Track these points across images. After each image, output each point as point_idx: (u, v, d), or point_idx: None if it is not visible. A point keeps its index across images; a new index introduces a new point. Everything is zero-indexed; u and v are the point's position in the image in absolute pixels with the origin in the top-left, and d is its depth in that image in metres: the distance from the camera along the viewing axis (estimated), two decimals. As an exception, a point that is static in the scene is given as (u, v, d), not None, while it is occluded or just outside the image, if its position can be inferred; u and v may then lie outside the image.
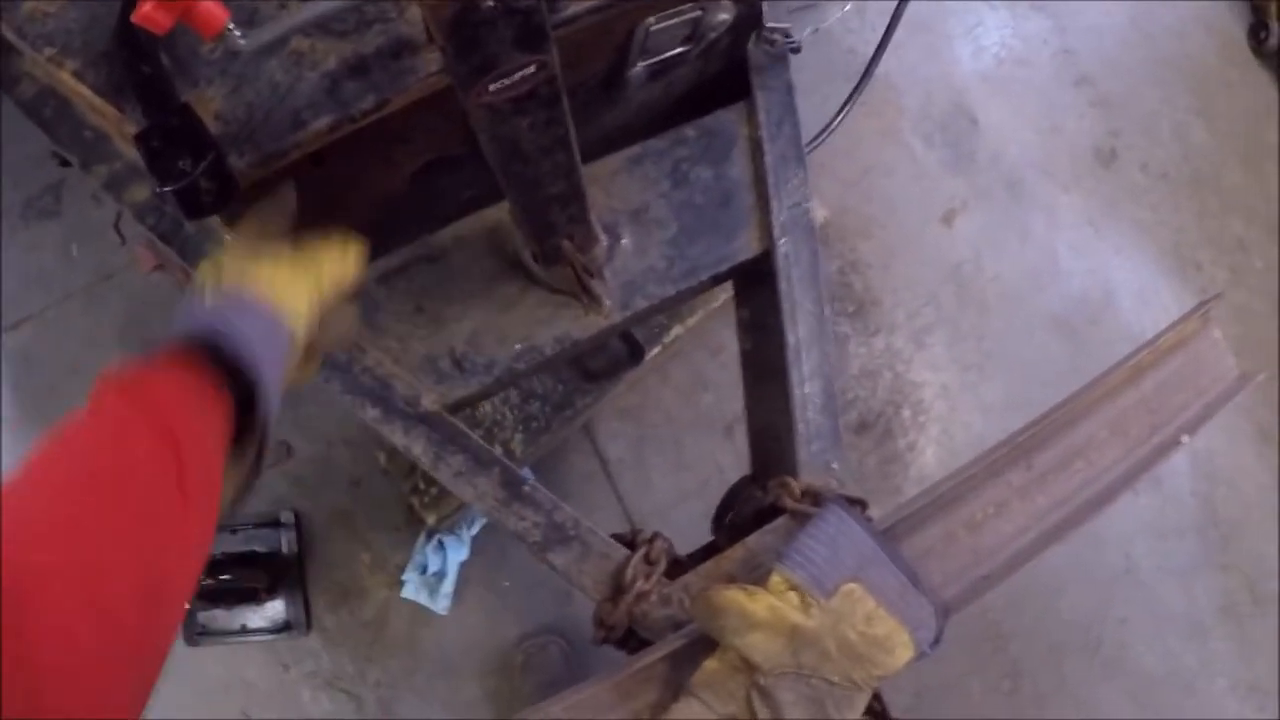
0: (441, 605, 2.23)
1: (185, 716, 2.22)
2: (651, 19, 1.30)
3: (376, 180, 1.36)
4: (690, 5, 1.31)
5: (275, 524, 2.24)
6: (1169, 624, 2.58)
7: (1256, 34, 3.08)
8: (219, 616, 2.21)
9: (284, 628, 2.22)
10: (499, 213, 1.39)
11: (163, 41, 1.12)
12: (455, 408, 1.35)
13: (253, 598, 2.10)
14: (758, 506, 1.26)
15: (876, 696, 1.08)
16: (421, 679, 2.26)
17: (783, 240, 1.38)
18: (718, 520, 1.39)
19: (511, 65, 0.91)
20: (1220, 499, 2.72)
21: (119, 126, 1.20)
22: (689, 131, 1.47)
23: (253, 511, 2.29)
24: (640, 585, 1.19)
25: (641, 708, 1.06)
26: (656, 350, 2.14)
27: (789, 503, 1.21)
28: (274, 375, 0.83)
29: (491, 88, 0.93)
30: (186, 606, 0.71)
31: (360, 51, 1.16)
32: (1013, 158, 2.79)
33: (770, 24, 1.45)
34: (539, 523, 1.24)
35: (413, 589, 2.24)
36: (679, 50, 1.40)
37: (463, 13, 0.82)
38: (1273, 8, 3.02)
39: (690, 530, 1.34)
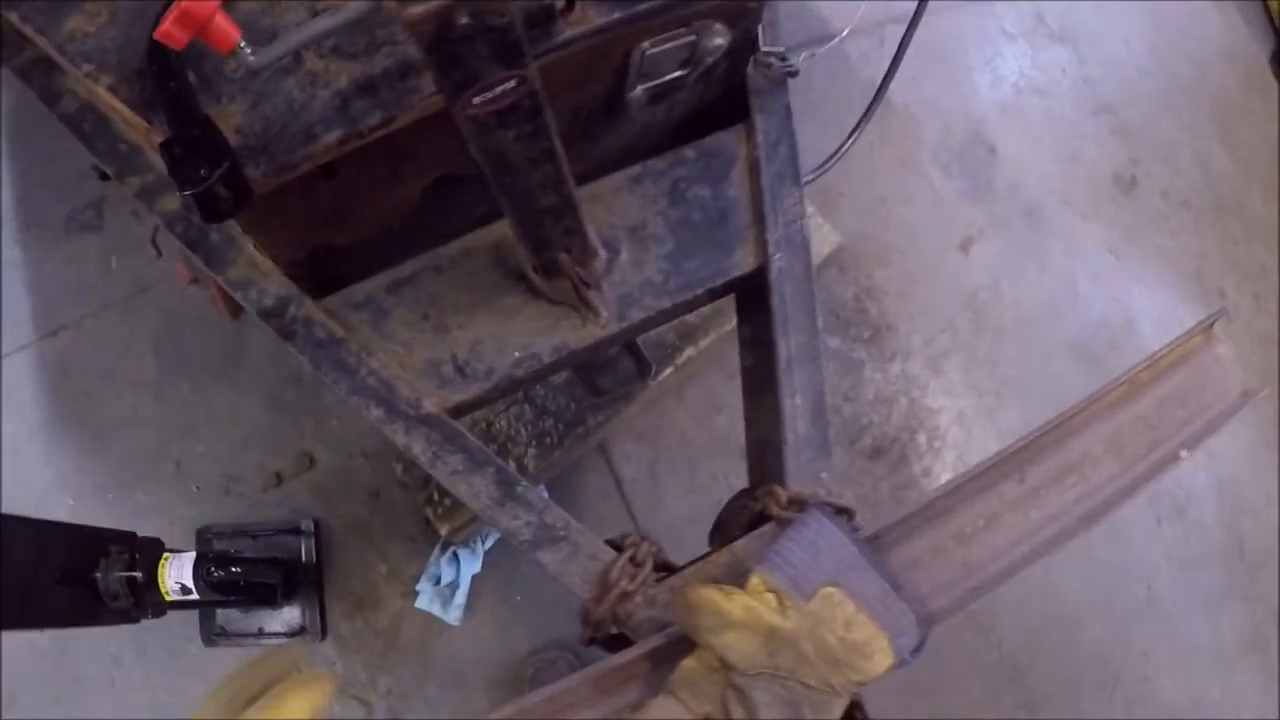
0: (453, 616, 2.28)
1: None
2: (647, 43, 1.36)
3: (388, 194, 1.45)
4: (684, 30, 1.37)
5: (295, 531, 2.31)
6: (1192, 657, 2.56)
7: (1279, 60, 3.09)
8: (236, 619, 2.27)
9: (299, 632, 2.28)
10: (504, 228, 1.45)
11: (190, 60, 1.21)
12: (456, 411, 1.41)
13: (269, 600, 2.16)
14: (749, 515, 1.29)
15: (858, 705, 1.10)
16: (432, 688, 2.31)
17: (777, 256, 1.43)
18: (714, 532, 1.42)
19: (492, 80, 0.98)
20: (1246, 529, 2.70)
21: (149, 139, 1.29)
22: (688, 152, 1.53)
23: (275, 519, 2.37)
24: (624, 585, 1.22)
25: (622, 706, 1.09)
26: (669, 371, 2.19)
27: (775, 510, 1.24)
28: None
29: (475, 101, 1.00)
30: None
31: (369, 72, 1.25)
32: (1031, 186, 2.82)
33: (766, 48, 1.51)
34: (530, 522, 1.29)
35: (426, 599, 2.30)
36: (677, 74, 1.47)
37: (441, 30, 0.90)
38: (1296, 33, 3.05)
39: (701, 550, 1.37)
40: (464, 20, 0.89)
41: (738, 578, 1.12)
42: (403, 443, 1.36)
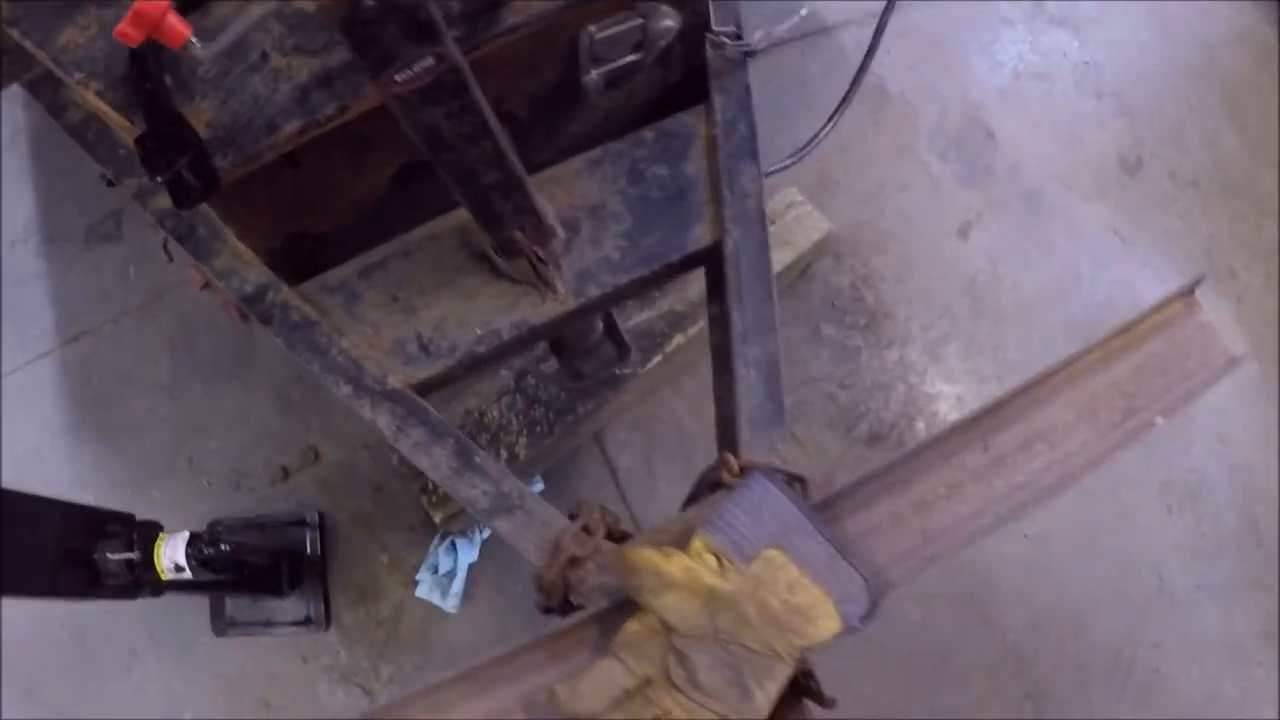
0: (451, 604, 2.33)
1: (212, 701, 2.38)
2: (594, 28, 1.42)
3: (354, 183, 1.52)
4: (630, 14, 1.43)
5: (301, 523, 2.38)
6: (1206, 649, 2.49)
7: (1291, 38, 3.05)
8: (245, 609, 2.35)
9: (305, 622, 2.35)
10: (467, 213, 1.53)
11: (169, 66, 1.31)
12: (422, 388, 1.47)
13: (275, 589, 2.24)
14: (707, 485, 1.31)
15: (809, 673, 1.11)
16: (431, 675, 2.35)
17: (732, 230, 1.48)
18: (685, 506, 1.46)
19: (409, 58, 1.04)
20: (1262, 517, 2.62)
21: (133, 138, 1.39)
22: (647, 134, 1.59)
23: (282, 512, 2.44)
24: (574, 550, 1.25)
25: (571, 670, 1.10)
26: (659, 360, 2.23)
27: (726, 477, 1.25)
28: None
29: (398, 79, 1.06)
30: None
31: (327, 66, 1.33)
32: (1032, 170, 2.81)
33: (718, 28, 1.55)
34: (488, 491, 1.35)
35: (426, 588, 2.35)
36: (632, 58, 1.53)
37: (350, 13, 0.96)
38: (1309, 11, 3.00)
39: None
40: (370, 2, 0.95)
41: (686, 544, 1.13)
42: (369, 417, 1.42)
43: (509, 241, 1.41)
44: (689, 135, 1.59)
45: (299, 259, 1.57)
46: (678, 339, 2.25)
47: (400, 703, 1.14)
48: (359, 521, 2.47)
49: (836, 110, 2.05)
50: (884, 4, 1.99)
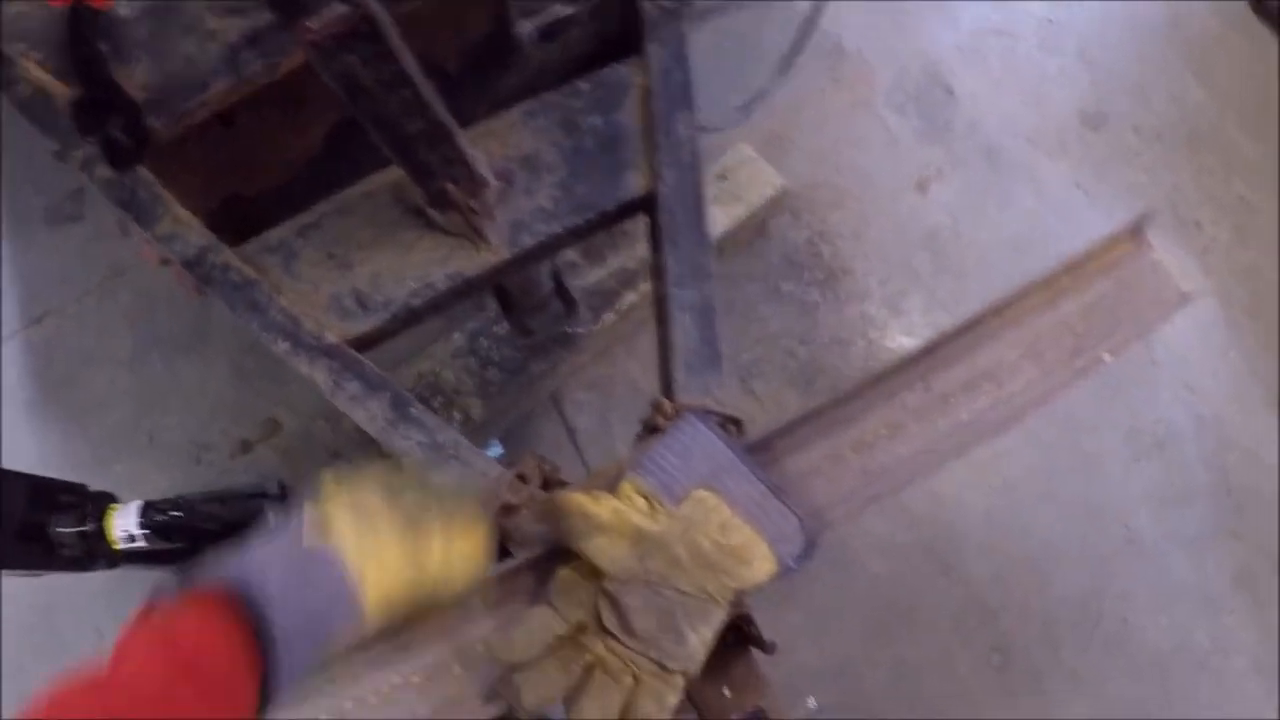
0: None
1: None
2: (526, -20, 1.45)
3: (290, 141, 1.55)
4: (549, -37, 1.45)
5: (262, 495, 2.39)
6: (1177, 598, 2.53)
7: (1259, -1, 3.07)
8: (208, 582, 2.35)
9: (269, 592, 2.35)
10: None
11: (104, 30, 1.35)
12: (359, 344, 1.49)
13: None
14: (645, 430, 1.31)
15: (748, 619, 1.12)
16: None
17: (666, 177, 1.49)
18: (630, 456, 1.49)
19: (322, 4, 1.05)
20: (1232, 465, 2.66)
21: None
22: (583, 84, 1.60)
23: (242, 483, 2.46)
24: (508, 497, 1.24)
25: (507, 618, 1.11)
26: (611, 317, 2.25)
27: (660, 420, 1.25)
28: (304, 649, 0.80)
29: (312, 26, 1.07)
30: None
31: (256, 25, 1.35)
32: (992, 126, 2.83)
33: (646, -28, 1.56)
34: (422, 442, 1.36)
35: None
36: (566, 11, 1.55)
37: (260, -38, 0.98)
38: (1273, -36, 3.00)
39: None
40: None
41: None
42: (307, 372, 1.44)
43: (441, 194, 1.42)
44: (624, 85, 1.60)
45: (238, 220, 1.58)
46: (630, 296, 2.27)
47: (337, 662, 1.10)
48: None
49: (786, 62, 2.06)
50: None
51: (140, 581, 2.29)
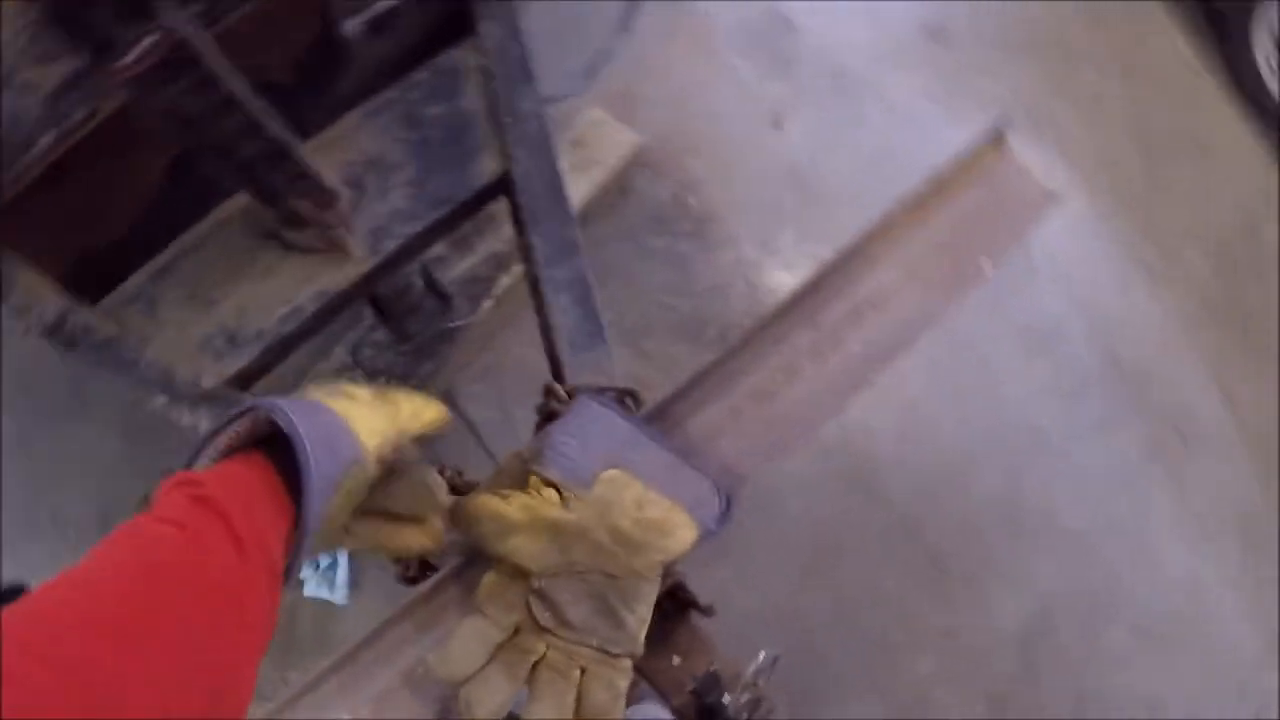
0: (340, 596, 2.33)
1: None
2: (343, -24, 1.42)
3: (129, 184, 1.49)
4: (367, -45, 1.43)
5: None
6: (1093, 481, 2.65)
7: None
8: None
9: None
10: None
11: None
12: (239, 381, 1.46)
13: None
14: (543, 418, 1.29)
15: (680, 585, 1.12)
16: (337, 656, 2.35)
17: (518, 156, 1.48)
18: (531, 447, 1.48)
19: (130, 39, 1.03)
20: (1121, 345, 2.79)
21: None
22: (419, 75, 1.59)
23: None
24: None
25: (442, 634, 1.07)
26: (489, 304, 2.24)
27: (556, 405, 1.23)
28: (327, 469, 0.80)
29: (125, 64, 1.05)
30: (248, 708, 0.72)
31: (76, 68, 1.30)
32: (837, 52, 2.88)
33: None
34: (325, 469, 1.36)
35: (312, 586, 2.34)
36: (393, 2, 1.53)
37: (52, 3, 0.95)
38: None
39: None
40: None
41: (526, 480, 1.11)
42: (190, 423, 1.41)
43: (292, 213, 1.41)
44: (462, 69, 1.60)
45: (93, 276, 1.52)
46: (504, 280, 2.27)
47: (281, 707, 1.08)
48: (234, 531, 2.41)
49: (625, 19, 2.06)
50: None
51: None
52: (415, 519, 0.98)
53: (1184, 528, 2.67)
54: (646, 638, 1.04)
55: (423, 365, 2.19)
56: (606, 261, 2.54)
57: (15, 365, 2.61)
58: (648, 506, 1.07)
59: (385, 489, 0.93)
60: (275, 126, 1.27)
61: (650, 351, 2.52)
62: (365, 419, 0.89)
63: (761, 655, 1.12)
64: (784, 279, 2.64)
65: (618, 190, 2.57)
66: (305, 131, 1.48)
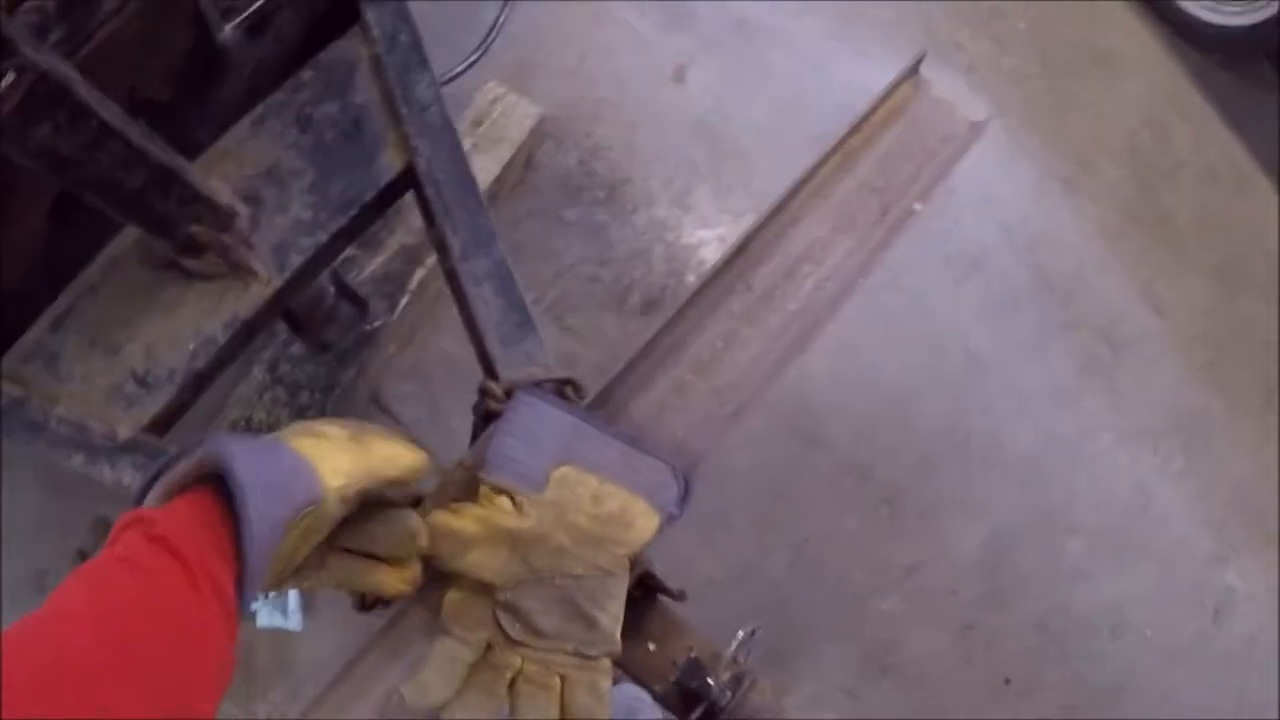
0: (295, 622, 2.27)
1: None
2: (205, -24, 1.34)
3: (10, 235, 1.40)
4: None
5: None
6: (1033, 400, 2.68)
7: None
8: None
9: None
10: (139, 227, 1.44)
11: None
12: (156, 427, 1.39)
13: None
14: (482, 419, 1.26)
15: (648, 573, 1.09)
16: (308, 698, 2.30)
17: (420, 147, 1.43)
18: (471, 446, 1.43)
19: (-17, 80, 0.96)
20: (1047, 262, 2.82)
21: None
22: (305, 73, 1.51)
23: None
24: None
25: (413, 660, 1.04)
26: (405, 300, 2.19)
27: (494, 405, 1.20)
28: (273, 511, 0.79)
29: (-12, 110, 0.97)
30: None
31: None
32: (736, 1, 2.84)
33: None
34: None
35: (265, 615, 2.27)
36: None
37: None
38: None
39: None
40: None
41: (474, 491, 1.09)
42: (113, 479, 1.33)
43: (189, 239, 1.33)
44: (350, 62, 1.53)
45: None
46: (419, 273, 2.22)
47: None
48: (173, 573, 2.34)
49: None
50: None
51: None
52: (392, 561, 0.96)
53: (1125, 435, 2.72)
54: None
55: (345, 372, 2.13)
56: (521, 240, 2.50)
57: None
58: (604, 500, 1.05)
59: (364, 528, 0.92)
60: (159, 150, 1.20)
61: (575, 326, 2.49)
62: (330, 458, 0.88)
63: (740, 633, 1.11)
64: (703, 236, 2.62)
65: (523, 165, 2.52)
66: (191, 149, 1.41)
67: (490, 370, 1.34)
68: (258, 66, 1.55)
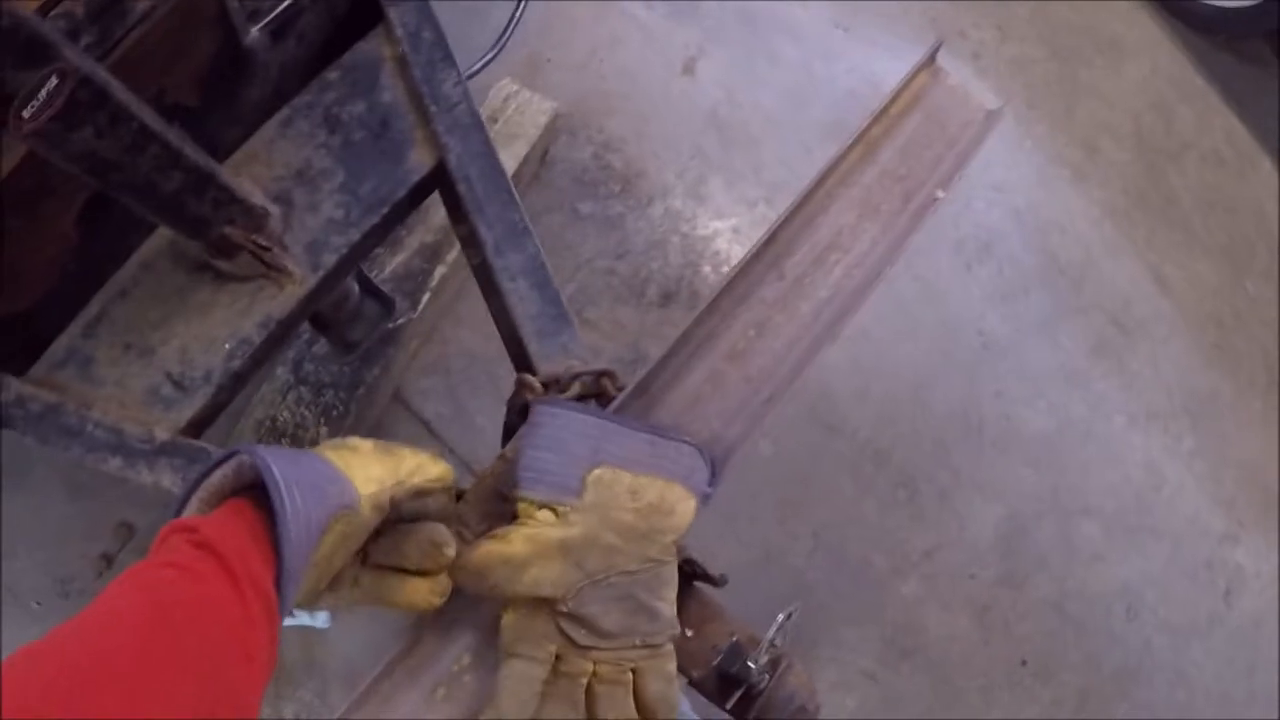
0: (322, 620, 2.26)
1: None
2: (233, -19, 1.33)
3: (38, 242, 1.38)
4: (260, -43, 1.34)
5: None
6: (1046, 382, 2.68)
7: None
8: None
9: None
10: (172, 229, 1.43)
11: None
12: (193, 429, 1.38)
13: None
14: (517, 412, 1.24)
15: (691, 561, 1.10)
16: (336, 695, 2.30)
17: (450, 144, 1.42)
18: (505, 438, 1.42)
19: (32, 85, 0.95)
20: (1056, 246, 2.82)
21: None
22: (331, 74, 1.50)
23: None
24: None
25: (454, 668, 1.03)
26: (427, 298, 2.19)
27: (532, 399, 1.18)
28: (310, 513, 0.80)
29: (27, 114, 0.96)
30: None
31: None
32: (742, -9, 2.82)
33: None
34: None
35: (292, 616, 2.27)
36: (288, 1, 1.45)
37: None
38: None
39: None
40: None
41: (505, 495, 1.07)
42: (150, 480, 1.32)
43: (222, 240, 1.33)
44: (375, 62, 1.51)
45: (17, 345, 1.42)
46: (440, 271, 2.21)
47: None
48: (196, 578, 2.34)
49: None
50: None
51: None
52: (422, 573, 0.97)
53: (1137, 415, 2.73)
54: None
55: (369, 371, 2.12)
56: (538, 235, 2.47)
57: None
58: (642, 492, 1.05)
59: (394, 544, 0.94)
60: (194, 152, 1.19)
61: (595, 320, 2.48)
62: (363, 467, 0.90)
63: (780, 617, 1.11)
64: (718, 227, 2.61)
65: (539, 161, 2.51)
66: (219, 152, 1.40)
67: (524, 364, 1.33)
68: (283, 69, 1.54)
